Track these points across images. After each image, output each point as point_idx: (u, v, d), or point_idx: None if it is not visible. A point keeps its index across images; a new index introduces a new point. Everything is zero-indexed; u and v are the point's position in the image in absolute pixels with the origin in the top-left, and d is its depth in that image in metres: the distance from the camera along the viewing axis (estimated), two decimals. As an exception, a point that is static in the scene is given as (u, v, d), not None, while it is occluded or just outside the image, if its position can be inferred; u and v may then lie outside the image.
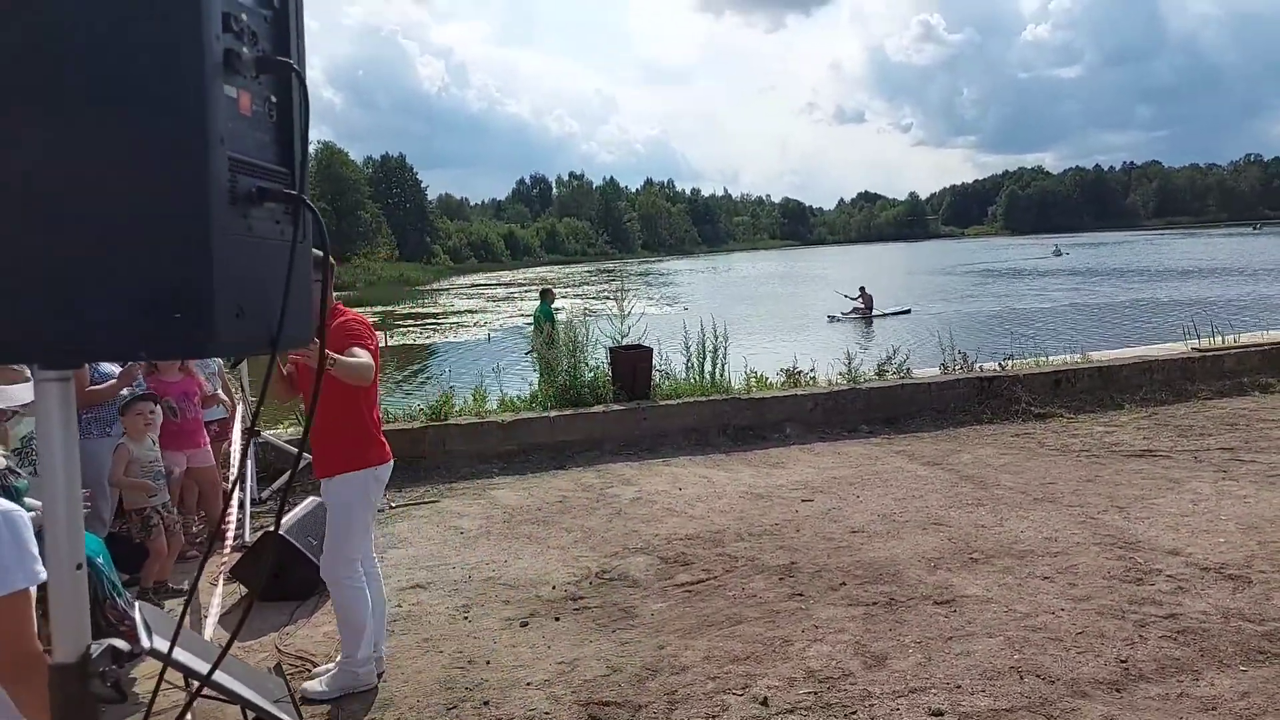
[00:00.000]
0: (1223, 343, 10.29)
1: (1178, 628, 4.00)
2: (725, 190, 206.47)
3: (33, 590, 1.78)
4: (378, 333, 3.83)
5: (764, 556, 5.18)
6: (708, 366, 9.15)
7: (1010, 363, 9.58)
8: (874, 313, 26.66)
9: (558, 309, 13.11)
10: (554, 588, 4.84)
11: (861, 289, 27.61)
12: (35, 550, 1.82)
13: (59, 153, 0.97)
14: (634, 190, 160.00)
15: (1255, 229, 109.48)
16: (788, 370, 9.41)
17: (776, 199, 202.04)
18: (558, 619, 4.44)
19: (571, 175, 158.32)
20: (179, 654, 1.84)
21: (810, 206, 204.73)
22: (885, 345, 11.91)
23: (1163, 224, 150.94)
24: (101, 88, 0.98)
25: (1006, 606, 4.32)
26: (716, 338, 9.35)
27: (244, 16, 1.07)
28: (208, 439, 5.75)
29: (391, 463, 3.82)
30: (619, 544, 5.50)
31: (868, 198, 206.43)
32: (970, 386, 8.90)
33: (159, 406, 5.01)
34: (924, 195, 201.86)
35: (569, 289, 48.47)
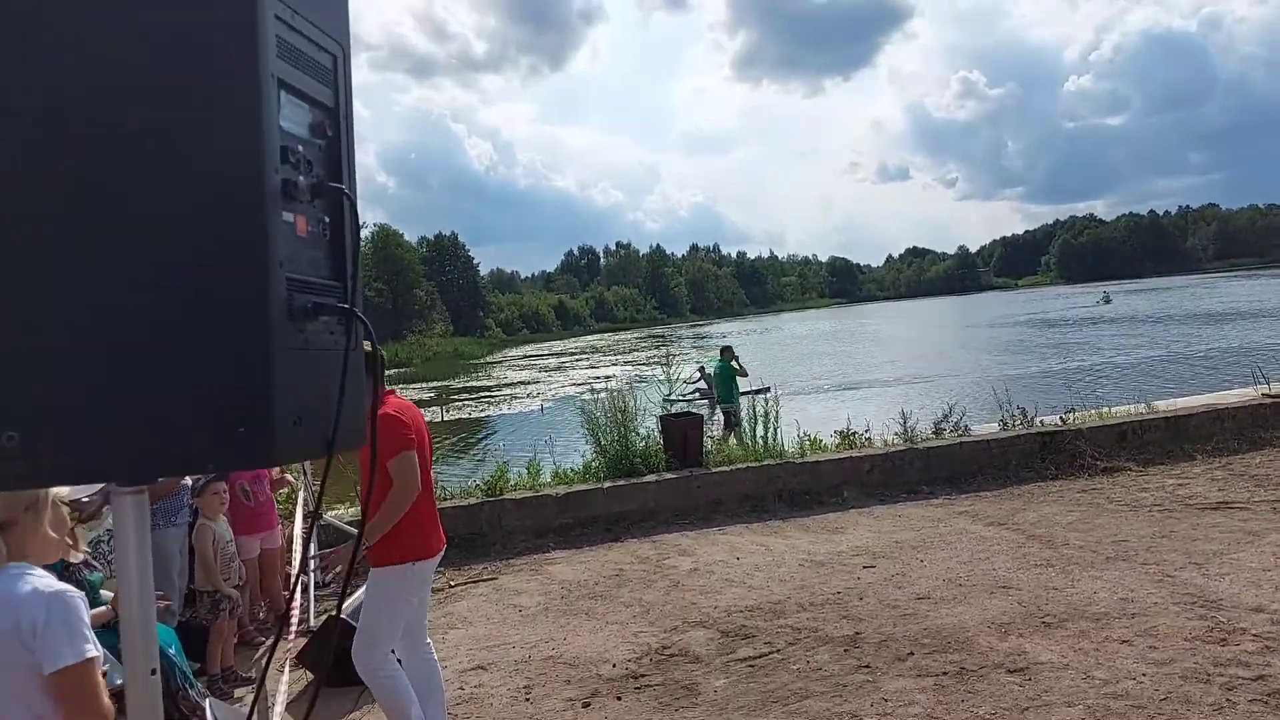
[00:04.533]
0: (1297, 386, 9.88)
1: (1267, 690, 3.79)
2: (771, 252, 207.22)
3: (92, 663, 1.88)
4: (429, 410, 3.91)
5: (827, 627, 5.06)
6: (759, 431, 9.10)
7: (1072, 416, 9.34)
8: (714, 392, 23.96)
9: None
10: (614, 665, 4.78)
11: (700, 368, 24.29)
12: (86, 630, 1.92)
13: (134, 282, 1.04)
14: (680, 256, 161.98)
15: None
16: (841, 432, 9.30)
17: (823, 258, 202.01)
18: (619, 698, 4.38)
19: (618, 245, 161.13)
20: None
21: (858, 264, 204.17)
22: (930, 405, 11.71)
23: (1226, 266, 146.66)
24: (169, 217, 1.06)
25: (1084, 673, 4.14)
26: (767, 401, 9.31)
27: (300, 148, 1.16)
28: (278, 521, 5.87)
29: (436, 557, 3.76)
30: (678, 617, 5.43)
31: (916, 253, 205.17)
32: (1032, 442, 8.68)
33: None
34: (974, 248, 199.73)
35: (619, 355, 48.79)
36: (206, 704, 2.07)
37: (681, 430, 8.48)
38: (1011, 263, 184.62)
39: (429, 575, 3.81)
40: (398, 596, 3.63)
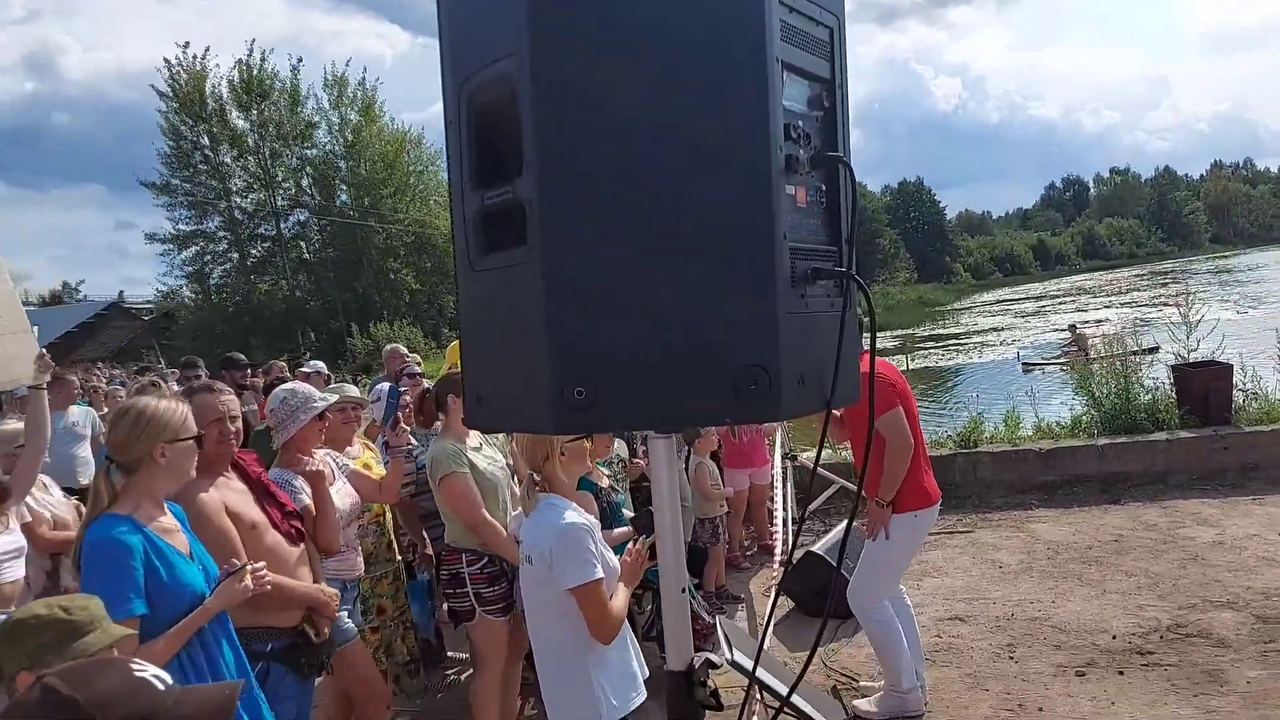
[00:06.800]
0: None
1: None
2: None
3: (598, 582, 2.28)
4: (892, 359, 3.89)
5: None
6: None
7: None
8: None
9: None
10: (1114, 637, 4.35)
11: (1072, 328, 19.65)
12: (592, 555, 2.30)
13: (671, 258, 1.21)
14: (1197, 177, 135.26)
15: None
16: None
17: None
18: (1121, 673, 3.98)
19: (1113, 171, 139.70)
20: (761, 674, 2.12)
21: None
22: None
23: None
24: (694, 196, 1.20)
25: None
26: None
27: (800, 124, 1.25)
28: (768, 458, 6.35)
29: (934, 507, 3.78)
30: (1196, 595, 4.73)
31: None
32: None
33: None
34: None
35: (1112, 297, 43.08)
36: (717, 621, 2.38)
37: (1203, 382, 7.24)
38: None
39: (929, 525, 3.87)
40: (899, 545, 3.73)
